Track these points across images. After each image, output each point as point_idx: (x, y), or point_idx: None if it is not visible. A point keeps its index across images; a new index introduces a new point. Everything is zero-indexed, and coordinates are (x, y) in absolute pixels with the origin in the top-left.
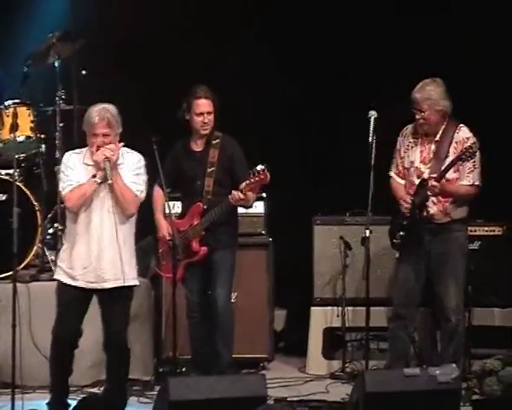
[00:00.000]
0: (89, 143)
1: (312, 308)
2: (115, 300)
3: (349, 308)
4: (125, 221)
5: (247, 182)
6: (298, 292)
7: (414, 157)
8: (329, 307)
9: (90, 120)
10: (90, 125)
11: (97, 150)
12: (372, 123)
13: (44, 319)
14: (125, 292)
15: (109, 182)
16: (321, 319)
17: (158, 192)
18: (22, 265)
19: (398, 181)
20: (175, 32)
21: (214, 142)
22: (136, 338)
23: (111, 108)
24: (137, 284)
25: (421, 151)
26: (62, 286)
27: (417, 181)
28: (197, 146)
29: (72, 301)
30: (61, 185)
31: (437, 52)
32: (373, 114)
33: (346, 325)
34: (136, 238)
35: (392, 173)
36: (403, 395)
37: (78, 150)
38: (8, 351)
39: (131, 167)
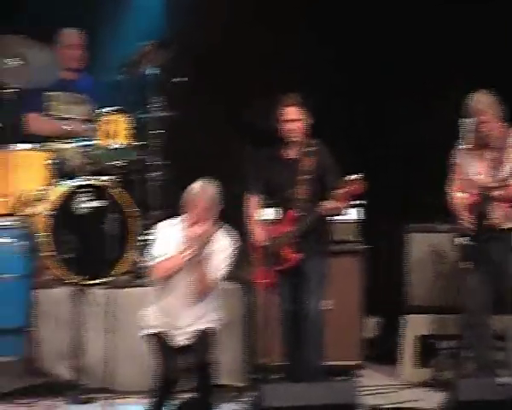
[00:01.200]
0: (187, 216)
1: (405, 316)
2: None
3: (442, 316)
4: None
5: (340, 191)
6: (391, 300)
7: (472, 168)
8: (422, 315)
9: (192, 192)
10: (191, 198)
11: (192, 226)
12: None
13: (138, 324)
14: (204, 336)
15: (197, 260)
16: (414, 326)
17: (252, 199)
18: (118, 271)
19: (458, 195)
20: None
21: (308, 149)
22: (228, 344)
23: (213, 186)
24: (215, 327)
25: (480, 161)
26: (151, 337)
27: (477, 191)
28: (290, 153)
29: (166, 346)
30: (151, 254)
31: (485, 41)
32: (469, 121)
33: (440, 333)
34: None
35: (450, 189)
36: (495, 403)
37: (173, 221)
38: (103, 357)
39: (221, 251)
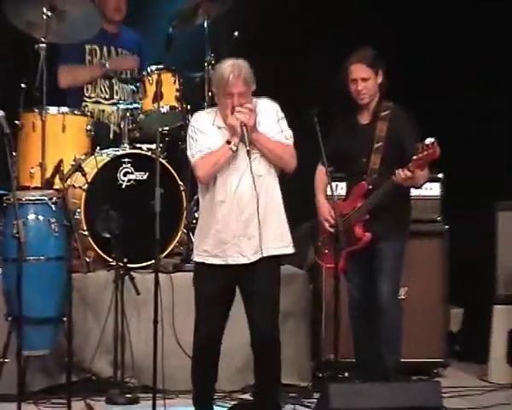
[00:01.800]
0: (220, 104)
1: (495, 307)
2: (258, 276)
3: None
4: (272, 184)
5: (415, 157)
6: (478, 288)
7: None
8: None
9: (224, 77)
10: (224, 84)
11: (232, 113)
12: None
13: (189, 314)
14: (269, 265)
15: (247, 148)
16: (505, 319)
17: (320, 171)
18: (165, 253)
19: None
20: None
21: (382, 114)
22: (291, 338)
23: (244, 63)
24: (289, 251)
25: None
26: (201, 272)
27: None
28: (363, 119)
29: (214, 290)
30: (190, 152)
31: None
32: None
33: None
34: (293, 224)
35: None
36: None
37: (208, 110)
38: (149, 351)
39: (271, 116)
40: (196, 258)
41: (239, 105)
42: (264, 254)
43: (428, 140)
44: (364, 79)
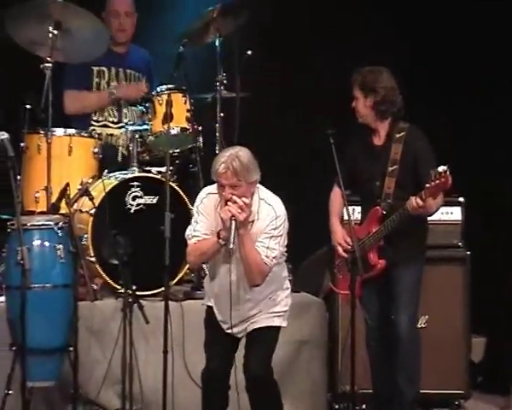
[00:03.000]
0: (218, 192)
1: None
2: (255, 340)
3: None
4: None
5: (427, 186)
6: (501, 316)
7: None
8: None
9: (215, 168)
10: (216, 175)
11: (225, 204)
12: None
13: (200, 344)
14: (267, 333)
15: (231, 247)
16: None
17: (336, 193)
18: (175, 280)
19: None
20: None
21: (397, 135)
22: (306, 369)
23: (242, 153)
24: (284, 325)
25: None
26: (210, 314)
27: None
28: (377, 140)
29: (222, 332)
30: (188, 232)
31: None
32: None
33: None
34: (309, 249)
35: None
36: None
37: (215, 188)
38: (158, 382)
39: (266, 225)
40: (207, 301)
41: (230, 197)
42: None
43: (441, 168)
44: (355, 98)
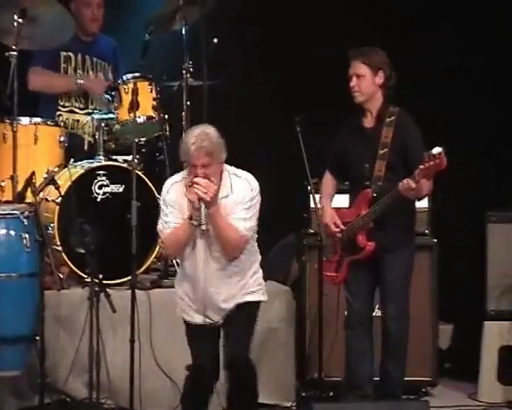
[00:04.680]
0: (187, 172)
1: (485, 323)
2: (234, 317)
3: None
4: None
5: (421, 167)
6: (467, 303)
7: None
8: (507, 322)
9: (186, 149)
10: (187, 155)
11: (192, 184)
12: None
13: (168, 332)
14: (245, 310)
15: (202, 228)
16: (496, 335)
17: (327, 177)
18: (142, 269)
19: None
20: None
21: (388, 119)
22: (274, 356)
23: (211, 132)
24: (262, 299)
25: None
26: (187, 324)
27: None
28: (368, 122)
29: (202, 332)
30: (160, 226)
31: None
32: None
33: None
34: (277, 236)
35: None
36: None
37: (179, 176)
38: (125, 371)
39: (240, 200)
40: (178, 311)
41: (203, 177)
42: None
43: (436, 150)
44: (358, 76)
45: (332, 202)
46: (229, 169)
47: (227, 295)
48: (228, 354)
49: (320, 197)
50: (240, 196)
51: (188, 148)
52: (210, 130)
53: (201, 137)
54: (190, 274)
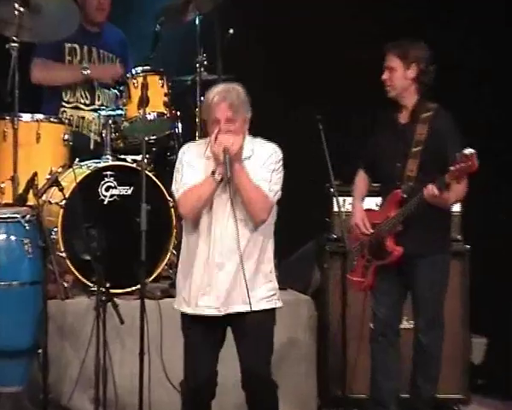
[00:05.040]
0: (209, 132)
1: None
2: (248, 328)
3: None
4: (257, 230)
5: (452, 169)
6: (502, 315)
7: None
8: None
9: (209, 102)
10: (210, 108)
11: (216, 139)
12: None
13: (179, 344)
14: (259, 318)
15: (228, 177)
16: None
17: (360, 176)
18: (152, 277)
19: None
20: None
21: (423, 115)
22: (294, 372)
23: (237, 87)
24: (277, 306)
25: None
26: (185, 319)
27: None
28: (403, 118)
29: (201, 337)
30: (175, 186)
31: None
32: None
33: None
34: (297, 242)
35: None
36: None
37: (199, 141)
38: (134, 386)
39: (264, 161)
40: (177, 304)
41: (225, 132)
42: (252, 309)
43: (468, 151)
44: (391, 69)
45: (363, 202)
46: (251, 136)
47: (235, 272)
48: (246, 371)
49: (353, 197)
50: (263, 157)
51: (210, 100)
52: (237, 85)
53: (226, 89)
54: (203, 247)
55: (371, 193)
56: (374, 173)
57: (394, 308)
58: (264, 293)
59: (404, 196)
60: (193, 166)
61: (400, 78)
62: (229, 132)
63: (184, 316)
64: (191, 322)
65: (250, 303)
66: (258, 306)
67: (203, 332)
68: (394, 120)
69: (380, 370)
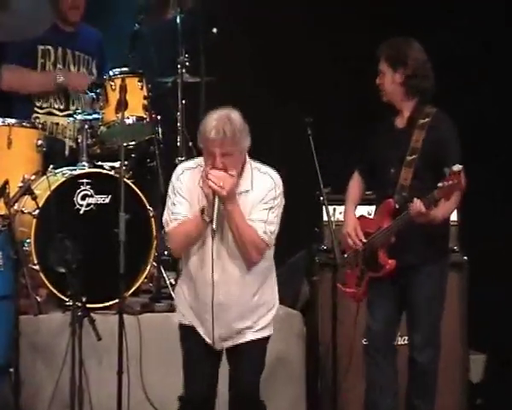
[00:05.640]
0: (204, 162)
1: None
2: (243, 348)
3: None
4: (253, 269)
5: (440, 185)
6: (502, 330)
7: None
8: None
9: (205, 134)
10: (205, 140)
11: (209, 174)
12: None
13: (159, 362)
14: (256, 345)
15: (213, 227)
16: None
17: (355, 180)
18: (131, 290)
19: None
20: None
21: (422, 121)
22: (282, 391)
23: (234, 116)
24: (270, 334)
25: None
26: (186, 331)
27: None
28: (401, 122)
29: (203, 351)
30: (165, 217)
31: None
32: None
33: None
34: (286, 253)
35: None
36: None
37: (193, 163)
38: (112, 405)
39: (262, 198)
40: (177, 316)
41: (222, 167)
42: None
43: (456, 167)
44: (382, 73)
45: (356, 210)
46: (251, 162)
47: (239, 311)
48: (236, 392)
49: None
50: (261, 194)
51: (206, 132)
52: (233, 113)
53: (223, 120)
54: (196, 277)
55: (363, 201)
56: (369, 178)
57: (389, 323)
58: (264, 322)
59: (397, 206)
60: (186, 197)
61: (389, 82)
62: (224, 168)
63: (186, 328)
64: (191, 332)
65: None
66: (262, 334)
67: (204, 346)
68: (391, 124)
69: (373, 387)
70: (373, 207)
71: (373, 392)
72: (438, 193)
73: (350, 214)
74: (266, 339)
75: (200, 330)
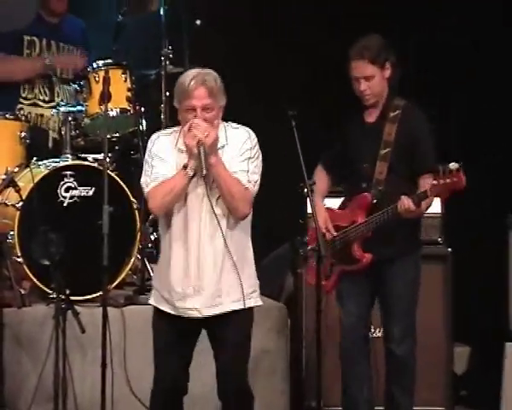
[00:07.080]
0: (182, 121)
1: (507, 344)
2: (228, 328)
3: None
4: (236, 224)
5: (434, 183)
6: (487, 322)
7: None
8: None
9: (184, 87)
10: (184, 94)
11: (189, 130)
12: None
13: (144, 355)
14: (241, 317)
15: (204, 173)
16: None
17: (320, 172)
18: (115, 283)
19: None
20: None
21: (392, 114)
22: (266, 382)
23: (212, 72)
24: (259, 303)
25: None
26: (159, 315)
27: None
28: (371, 116)
29: (174, 335)
30: (144, 180)
31: None
32: None
33: None
34: (270, 246)
35: None
36: None
37: (169, 130)
38: (95, 399)
39: (239, 149)
40: (152, 299)
41: (204, 121)
42: (245, 306)
43: (453, 165)
44: (368, 78)
45: (324, 201)
46: (223, 122)
47: (219, 265)
48: (224, 381)
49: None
50: (237, 147)
51: (185, 84)
52: (209, 70)
53: (203, 73)
54: (179, 244)
55: (331, 194)
56: (335, 173)
57: (361, 316)
58: (247, 290)
59: (374, 201)
60: (163, 158)
61: (379, 82)
62: (205, 121)
63: (157, 310)
64: (164, 317)
65: (244, 301)
66: (248, 303)
67: (177, 330)
68: (360, 119)
69: (348, 380)
70: (336, 200)
71: (349, 385)
72: (431, 191)
73: (319, 206)
74: (249, 312)
75: (176, 311)
